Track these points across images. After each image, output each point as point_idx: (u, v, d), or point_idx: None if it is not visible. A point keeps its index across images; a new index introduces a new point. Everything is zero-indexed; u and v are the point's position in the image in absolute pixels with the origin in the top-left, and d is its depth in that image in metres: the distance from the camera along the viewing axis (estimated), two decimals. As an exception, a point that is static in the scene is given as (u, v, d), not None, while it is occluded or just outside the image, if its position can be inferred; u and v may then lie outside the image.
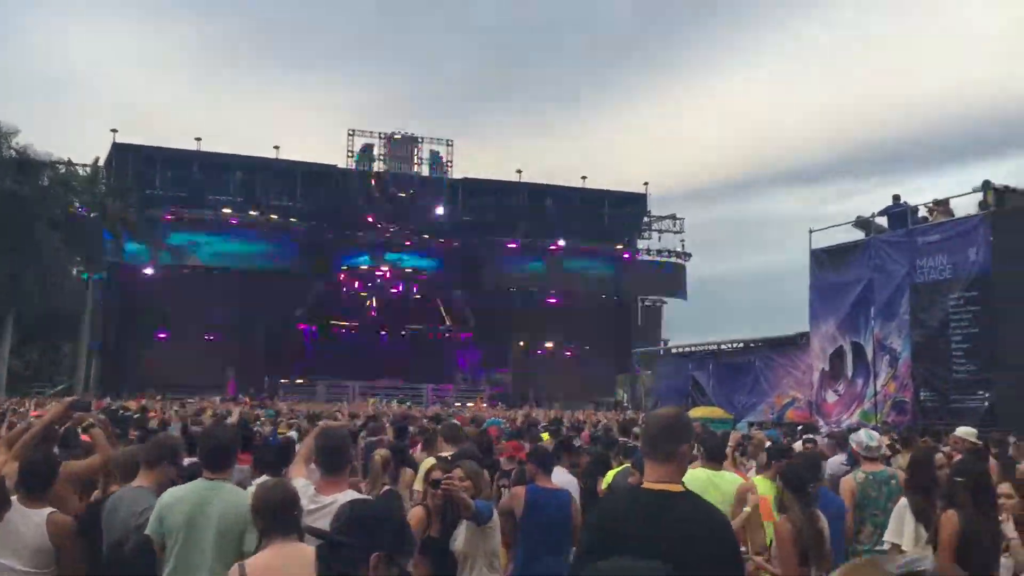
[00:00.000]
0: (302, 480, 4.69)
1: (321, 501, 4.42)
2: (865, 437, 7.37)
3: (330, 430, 5.32)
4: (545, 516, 6.09)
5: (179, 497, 4.49)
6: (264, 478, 5.36)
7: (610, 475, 8.19)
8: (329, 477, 4.64)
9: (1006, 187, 20.26)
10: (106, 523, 4.89)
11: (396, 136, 54.75)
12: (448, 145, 55.43)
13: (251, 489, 4.57)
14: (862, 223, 24.26)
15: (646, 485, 3.22)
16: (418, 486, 6.86)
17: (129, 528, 4.70)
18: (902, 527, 5.85)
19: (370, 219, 54.54)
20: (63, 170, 42.55)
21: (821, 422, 22.66)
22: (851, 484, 7.02)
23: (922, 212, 22.22)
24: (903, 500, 6.03)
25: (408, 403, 39.07)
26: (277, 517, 3.77)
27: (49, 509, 4.77)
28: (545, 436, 12.62)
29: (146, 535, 4.48)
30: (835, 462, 9.20)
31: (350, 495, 4.39)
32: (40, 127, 55.08)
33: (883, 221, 23.56)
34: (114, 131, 48.94)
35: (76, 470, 5.92)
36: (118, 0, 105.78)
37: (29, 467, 4.91)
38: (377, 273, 56.45)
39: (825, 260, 25.04)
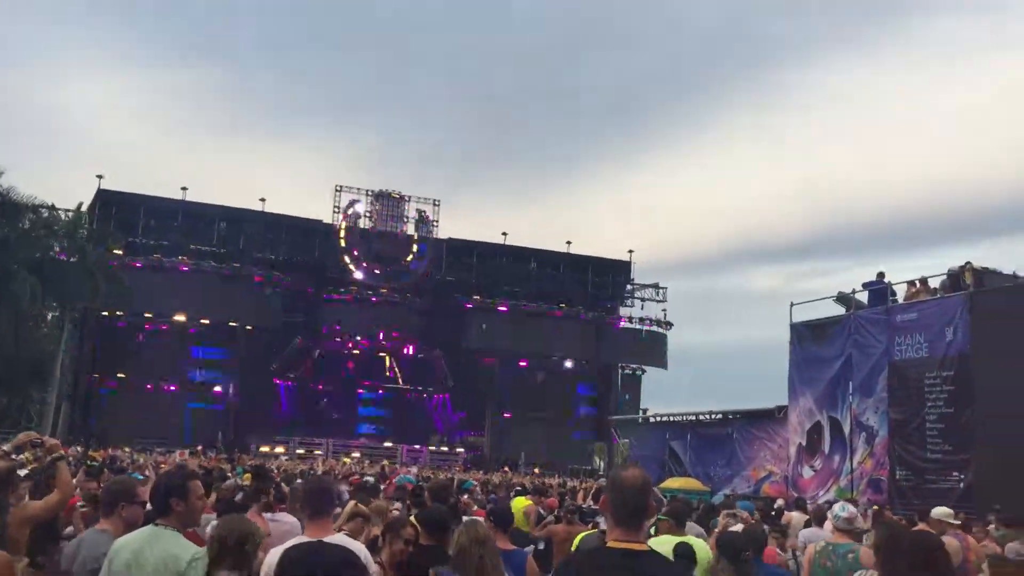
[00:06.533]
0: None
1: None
2: (838, 509, 7.42)
3: (314, 477, 5.74)
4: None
5: (124, 544, 4.42)
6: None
7: (577, 539, 8.09)
8: (316, 519, 4.94)
9: (985, 268, 20.43)
10: (66, 565, 4.94)
11: (384, 193, 55.05)
12: (435, 205, 55.82)
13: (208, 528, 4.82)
14: (843, 299, 24.32)
15: (611, 544, 3.15)
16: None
17: (87, 572, 4.69)
18: None
19: (353, 276, 54.43)
20: (46, 214, 42.23)
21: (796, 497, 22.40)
22: (810, 552, 7.07)
23: (898, 293, 22.25)
24: None
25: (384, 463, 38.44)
26: (228, 549, 3.94)
27: None
28: (521, 500, 12.52)
29: None
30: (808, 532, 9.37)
31: (340, 538, 4.63)
32: (27, 170, 54.88)
33: (864, 297, 23.62)
34: (99, 177, 48.86)
35: (31, 513, 5.77)
36: (110, 48, 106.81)
37: None
38: (357, 330, 56.08)
39: (805, 334, 25.05)
